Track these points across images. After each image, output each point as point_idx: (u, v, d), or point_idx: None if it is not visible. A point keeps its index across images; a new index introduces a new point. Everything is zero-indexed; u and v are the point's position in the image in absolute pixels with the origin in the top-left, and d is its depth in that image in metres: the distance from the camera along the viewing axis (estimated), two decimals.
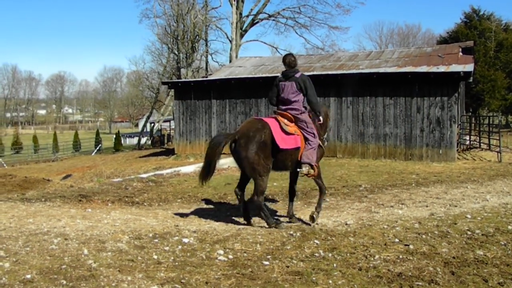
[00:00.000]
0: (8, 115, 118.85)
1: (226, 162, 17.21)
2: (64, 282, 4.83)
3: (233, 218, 8.49)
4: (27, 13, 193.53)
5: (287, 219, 8.13)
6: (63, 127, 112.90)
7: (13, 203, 10.21)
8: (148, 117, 55.64)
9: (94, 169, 23.37)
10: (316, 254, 5.85)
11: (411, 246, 6.06)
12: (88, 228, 7.35)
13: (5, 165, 40.20)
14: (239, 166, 7.75)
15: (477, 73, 33.30)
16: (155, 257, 5.80)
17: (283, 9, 42.89)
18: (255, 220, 8.21)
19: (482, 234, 6.60)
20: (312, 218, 7.70)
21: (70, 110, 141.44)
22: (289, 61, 7.82)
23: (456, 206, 8.79)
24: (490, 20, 43.04)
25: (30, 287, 4.71)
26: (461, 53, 21.53)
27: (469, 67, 18.23)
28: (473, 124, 25.08)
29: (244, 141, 7.34)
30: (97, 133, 60.47)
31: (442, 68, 18.62)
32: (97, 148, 52.74)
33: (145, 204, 10.51)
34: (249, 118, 7.80)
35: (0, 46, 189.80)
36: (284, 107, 7.78)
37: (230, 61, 37.25)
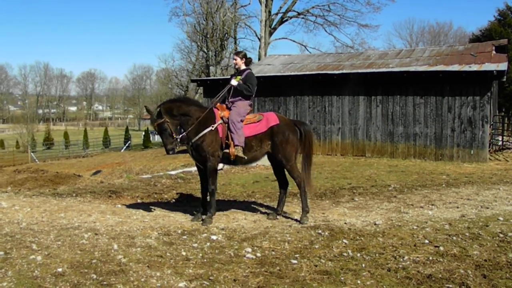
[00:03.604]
0: (40, 111, 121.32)
1: None
2: (95, 276, 4.92)
3: (261, 216, 8.48)
4: (59, 11, 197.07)
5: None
6: (93, 123, 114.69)
7: (45, 198, 10.41)
8: None
9: (123, 165, 23.62)
10: (345, 254, 5.81)
11: (441, 248, 5.96)
12: (117, 224, 7.46)
13: (37, 160, 41.00)
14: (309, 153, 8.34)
15: (510, 72, 32.47)
16: (184, 253, 5.85)
17: (312, 7, 42.66)
18: (282, 218, 8.20)
19: None
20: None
21: (100, 107, 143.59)
22: None
23: (487, 208, 8.61)
24: None
25: (61, 280, 4.80)
26: (494, 52, 21.07)
27: (503, 66, 17.82)
28: (506, 124, 24.53)
29: None
30: (127, 130, 61.21)
31: (474, 67, 18.26)
32: (126, 144, 53.35)
33: (174, 200, 10.59)
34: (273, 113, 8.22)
35: (33, 44, 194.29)
36: None
37: (259, 59, 37.22)
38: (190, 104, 7.98)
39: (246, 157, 7.85)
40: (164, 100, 7.96)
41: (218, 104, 8.21)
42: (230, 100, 8.13)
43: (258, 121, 8.01)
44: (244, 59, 8.29)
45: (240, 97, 8.09)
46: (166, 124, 7.60)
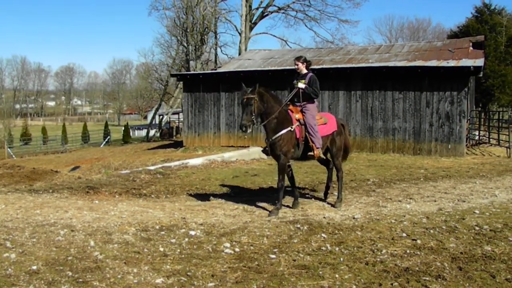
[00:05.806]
0: (18, 106, 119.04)
1: (234, 155, 17.20)
2: (70, 273, 4.85)
3: (240, 211, 8.45)
4: (36, 4, 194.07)
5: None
6: (72, 118, 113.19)
7: (20, 194, 10.25)
8: (157, 110, 55.78)
9: (102, 161, 23.39)
10: (323, 248, 5.83)
11: (418, 241, 6.02)
12: (95, 220, 7.37)
13: (14, 156, 40.41)
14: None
15: (487, 68, 32.91)
16: (162, 249, 5.80)
17: (293, 2, 42.78)
18: (261, 213, 8.19)
19: (490, 230, 6.55)
20: None
21: (79, 102, 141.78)
22: None
23: (464, 201, 8.72)
24: (501, 14, 42.48)
25: (36, 278, 4.72)
26: (471, 48, 21.35)
27: (480, 62, 18.07)
28: (482, 119, 24.89)
29: None
30: (106, 125, 60.53)
31: (452, 63, 18.47)
32: (106, 140, 52.86)
33: (153, 196, 10.51)
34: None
35: (9, 38, 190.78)
36: None
37: (239, 54, 37.18)
38: (276, 101, 8.20)
39: (324, 157, 8.98)
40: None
41: (291, 105, 8.49)
42: (301, 103, 8.45)
43: (324, 123, 8.62)
44: (305, 63, 8.60)
45: (307, 100, 8.44)
46: (254, 101, 7.89)
